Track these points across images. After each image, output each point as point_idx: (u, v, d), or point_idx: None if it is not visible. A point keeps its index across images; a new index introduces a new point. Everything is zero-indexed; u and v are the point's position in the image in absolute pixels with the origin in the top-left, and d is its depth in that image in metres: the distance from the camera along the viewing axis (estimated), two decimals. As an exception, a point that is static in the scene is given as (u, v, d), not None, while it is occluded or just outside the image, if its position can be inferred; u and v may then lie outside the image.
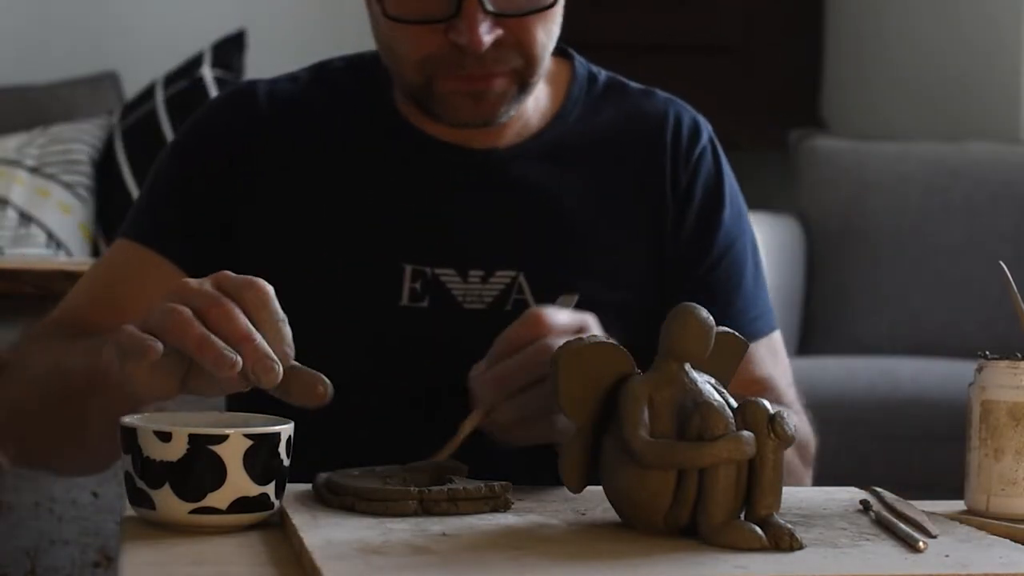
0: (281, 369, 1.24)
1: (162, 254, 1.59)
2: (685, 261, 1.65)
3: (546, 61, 1.58)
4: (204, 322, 1.24)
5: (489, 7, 1.50)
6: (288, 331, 1.27)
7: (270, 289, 1.28)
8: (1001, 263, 1.45)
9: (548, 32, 1.56)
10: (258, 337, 1.25)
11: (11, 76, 3.84)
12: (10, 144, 3.48)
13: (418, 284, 1.58)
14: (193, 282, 1.29)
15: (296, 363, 1.27)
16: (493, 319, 1.54)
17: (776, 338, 1.71)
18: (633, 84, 1.73)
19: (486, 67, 1.53)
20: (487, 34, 1.51)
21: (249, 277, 1.28)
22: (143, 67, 3.79)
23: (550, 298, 1.50)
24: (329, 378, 1.27)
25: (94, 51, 4.01)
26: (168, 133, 3.42)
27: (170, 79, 3.53)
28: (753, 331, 1.66)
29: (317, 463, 1.38)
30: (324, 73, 1.69)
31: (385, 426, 1.56)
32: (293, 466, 1.27)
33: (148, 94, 3.52)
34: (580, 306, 1.47)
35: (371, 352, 1.57)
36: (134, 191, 3.40)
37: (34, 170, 3.42)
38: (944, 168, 3.90)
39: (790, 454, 1.62)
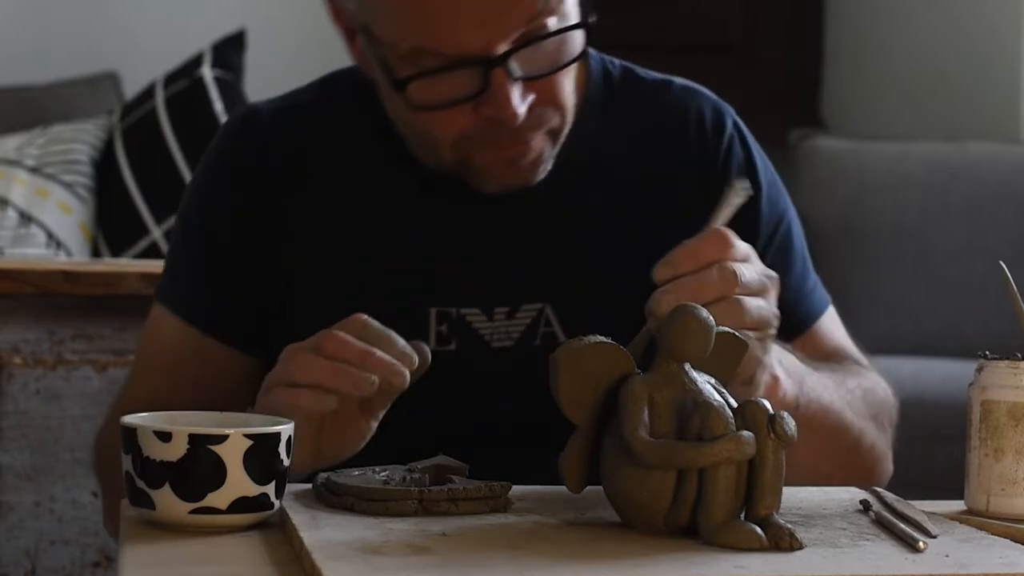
0: (407, 372, 1.35)
1: (222, 342, 1.56)
2: None
3: (574, 106, 1.52)
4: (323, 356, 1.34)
5: (517, 74, 1.43)
6: (399, 338, 1.37)
7: (363, 316, 1.37)
8: (1001, 263, 1.44)
9: (572, 78, 1.50)
10: (376, 350, 1.34)
11: (11, 76, 3.83)
12: (10, 144, 3.48)
13: (444, 327, 1.52)
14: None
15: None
16: (521, 357, 1.52)
17: (832, 308, 1.68)
18: (649, 76, 1.64)
19: (523, 133, 1.46)
20: (520, 104, 1.43)
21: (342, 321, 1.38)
22: (143, 67, 3.79)
23: (579, 328, 1.43)
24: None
25: (94, 51, 4.01)
26: (168, 133, 3.41)
27: (170, 79, 3.53)
28: (815, 304, 1.64)
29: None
30: (333, 97, 1.61)
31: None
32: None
33: (148, 94, 3.52)
34: (614, 330, 1.42)
35: (401, 398, 1.41)
36: (134, 191, 3.40)
37: (34, 170, 3.42)
38: (944, 168, 3.90)
39: (863, 422, 1.62)
